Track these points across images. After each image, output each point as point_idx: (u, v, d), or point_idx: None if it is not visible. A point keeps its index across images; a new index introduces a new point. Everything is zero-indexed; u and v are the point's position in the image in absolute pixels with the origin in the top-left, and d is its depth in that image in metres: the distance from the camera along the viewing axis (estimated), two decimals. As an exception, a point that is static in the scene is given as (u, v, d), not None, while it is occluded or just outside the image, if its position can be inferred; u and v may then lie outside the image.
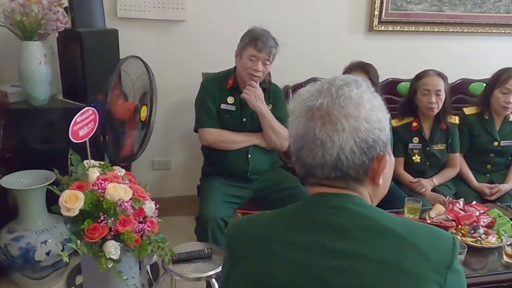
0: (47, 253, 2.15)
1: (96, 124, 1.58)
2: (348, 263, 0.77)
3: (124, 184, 1.50)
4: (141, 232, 1.47)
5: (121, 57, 2.43)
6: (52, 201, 2.11)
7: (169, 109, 2.93)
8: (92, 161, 1.61)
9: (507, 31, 3.24)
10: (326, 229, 0.81)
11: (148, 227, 1.49)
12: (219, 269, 1.79)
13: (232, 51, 2.34)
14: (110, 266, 1.39)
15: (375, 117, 0.83)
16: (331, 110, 0.81)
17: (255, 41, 2.14)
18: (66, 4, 2.30)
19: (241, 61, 2.21)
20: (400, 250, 0.78)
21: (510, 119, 2.60)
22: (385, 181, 0.88)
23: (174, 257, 1.69)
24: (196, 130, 2.34)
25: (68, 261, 1.36)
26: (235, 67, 2.32)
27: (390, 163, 0.89)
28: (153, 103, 2.41)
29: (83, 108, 2.28)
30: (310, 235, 0.82)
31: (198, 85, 2.61)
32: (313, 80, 2.97)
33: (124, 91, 2.24)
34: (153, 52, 2.73)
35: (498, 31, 3.22)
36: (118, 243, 1.41)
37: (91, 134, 1.55)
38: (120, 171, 1.62)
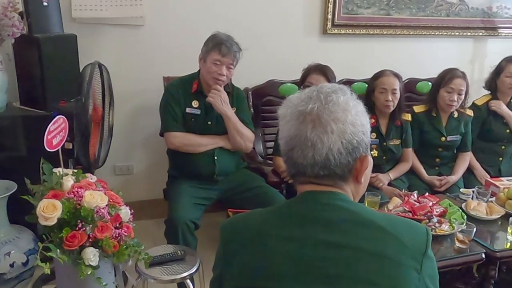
0: (11, 265, 2.08)
1: (67, 132, 1.57)
2: (337, 253, 0.86)
3: (99, 191, 1.51)
4: (119, 237, 1.48)
5: (80, 63, 2.41)
6: (13, 212, 2.08)
7: (130, 113, 2.92)
8: (60, 169, 1.60)
9: (449, 33, 3.47)
10: (316, 224, 0.90)
11: (125, 232, 1.51)
12: (193, 269, 1.84)
13: (192, 55, 2.37)
14: (89, 273, 1.40)
15: (359, 121, 0.92)
16: (321, 114, 0.90)
17: (220, 46, 2.19)
18: (21, 9, 2.25)
19: (205, 66, 2.25)
20: (382, 241, 0.87)
21: (455, 116, 2.81)
22: (365, 179, 0.98)
23: (150, 261, 1.71)
24: (162, 134, 2.36)
25: (49, 272, 1.35)
26: (198, 71, 2.35)
27: (370, 163, 0.99)
28: (111, 108, 2.40)
29: (43, 115, 2.27)
30: (302, 229, 0.90)
31: (159, 89, 2.63)
32: (272, 81, 3.09)
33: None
34: (112, 57, 2.71)
35: (441, 33, 3.45)
36: (97, 249, 1.42)
37: (63, 143, 1.55)
38: (92, 178, 1.63)
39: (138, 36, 2.80)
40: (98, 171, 2.75)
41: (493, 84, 2.97)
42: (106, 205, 1.49)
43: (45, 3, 2.31)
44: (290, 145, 0.93)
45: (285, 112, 0.95)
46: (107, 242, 1.41)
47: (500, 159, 2.99)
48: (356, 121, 0.92)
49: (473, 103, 3.00)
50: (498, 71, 2.94)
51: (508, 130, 2.95)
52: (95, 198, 1.43)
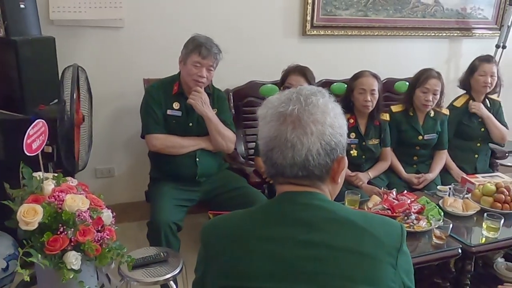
0: (-10, 272, 2.07)
1: (47, 136, 1.56)
2: (316, 252, 0.89)
3: (80, 194, 1.50)
4: (101, 241, 1.48)
5: (59, 66, 2.39)
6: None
7: (110, 116, 2.91)
8: (40, 173, 1.59)
9: (425, 34, 3.55)
10: (296, 223, 0.92)
11: (107, 235, 1.51)
12: (176, 271, 1.85)
13: (172, 57, 2.38)
14: (71, 277, 1.39)
15: (338, 123, 0.95)
16: (301, 116, 0.92)
17: (200, 48, 2.19)
18: (-2, 12, 2.23)
19: (185, 68, 2.26)
20: (359, 238, 0.90)
21: (431, 115, 2.87)
22: (342, 180, 1.01)
23: (132, 264, 1.71)
24: (143, 137, 2.36)
25: (29, 279, 1.35)
26: (179, 73, 2.36)
27: (346, 164, 1.01)
28: (91, 111, 2.39)
29: (22, 119, 2.24)
30: (282, 229, 0.92)
31: (139, 91, 2.63)
32: (252, 83, 3.11)
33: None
34: (92, 59, 2.70)
35: (417, 34, 3.53)
36: (79, 253, 1.42)
37: (43, 147, 1.54)
38: (73, 182, 1.62)
39: (118, 38, 2.78)
40: (79, 175, 2.72)
41: (467, 83, 3.04)
42: (88, 209, 1.48)
43: (22, 6, 2.29)
44: (270, 145, 0.95)
45: (265, 113, 0.97)
46: (89, 246, 1.41)
47: (476, 156, 3.07)
48: (335, 123, 0.94)
49: (452, 104, 3.07)
50: (471, 70, 3.01)
51: (483, 129, 3.03)
52: (76, 202, 1.42)
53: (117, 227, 1.66)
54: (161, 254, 1.91)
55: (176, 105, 2.33)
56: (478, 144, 3.06)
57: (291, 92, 0.97)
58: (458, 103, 3.06)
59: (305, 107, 0.93)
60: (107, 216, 1.55)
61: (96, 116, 2.54)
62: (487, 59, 2.97)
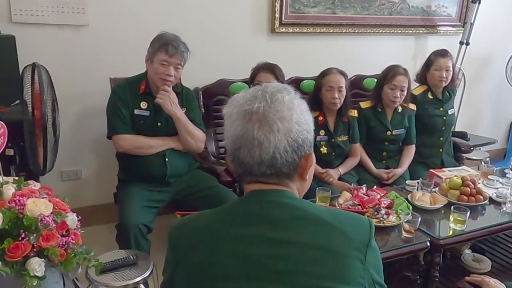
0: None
1: (6, 138, 1.50)
2: (284, 250, 0.88)
3: (43, 198, 1.45)
4: (66, 245, 1.43)
5: (20, 66, 2.31)
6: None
7: (76, 116, 2.83)
8: (0, 177, 1.53)
9: (392, 31, 3.60)
10: (263, 222, 0.91)
11: (72, 239, 1.46)
12: (147, 274, 1.81)
13: (140, 55, 2.33)
14: (35, 284, 1.34)
15: (304, 120, 0.94)
16: (267, 113, 0.91)
17: (166, 46, 2.15)
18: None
19: (152, 66, 2.22)
20: (328, 234, 0.90)
21: (399, 111, 2.92)
22: (310, 176, 1.00)
23: (100, 268, 1.66)
24: (110, 137, 2.30)
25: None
26: (146, 72, 2.31)
27: (314, 161, 1.01)
28: (56, 111, 2.32)
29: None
30: (250, 228, 0.91)
31: (106, 91, 2.56)
32: (222, 81, 3.09)
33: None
34: (55, 58, 2.62)
35: (384, 31, 3.58)
36: (42, 259, 1.37)
37: (2, 149, 1.48)
38: (35, 185, 1.56)
39: (82, 36, 2.71)
40: (44, 178, 2.65)
41: (423, 77, 3.10)
42: (51, 213, 1.43)
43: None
44: (237, 144, 0.93)
45: (231, 111, 0.95)
46: (53, 251, 1.36)
47: (441, 150, 3.13)
48: (301, 120, 0.93)
49: (411, 93, 3.09)
50: (427, 65, 3.06)
51: (444, 117, 3.09)
52: (38, 206, 1.37)
53: (84, 230, 1.61)
54: (131, 257, 1.86)
55: (143, 105, 2.29)
56: (441, 138, 3.13)
57: (256, 89, 0.96)
58: (416, 91, 3.08)
59: (271, 105, 0.92)
60: (72, 220, 1.50)
61: (61, 117, 2.47)
62: (442, 53, 3.02)
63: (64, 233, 1.46)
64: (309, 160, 0.96)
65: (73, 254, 1.46)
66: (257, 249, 0.88)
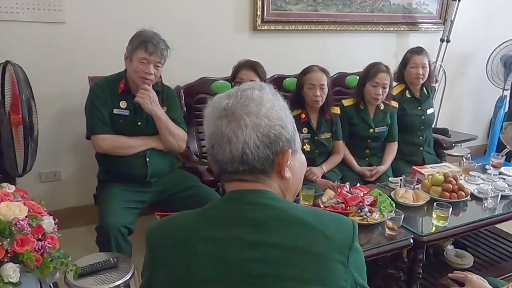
0: None
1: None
2: (264, 253, 0.85)
3: (17, 201, 1.40)
4: (42, 250, 1.39)
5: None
6: None
7: (54, 116, 2.76)
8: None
9: (373, 29, 3.61)
10: (243, 224, 0.88)
11: (49, 243, 1.42)
12: (128, 276, 1.77)
13: (118, 53, 2.28)
14: (9, 291, 1.30)
15: (276, 115, 0.92)
16: (234, 109, 0.90)
17: (145, 44, 2.11)
18: None
19: (131, 65, 2.17)
20: (309, 237, 0.87)
21: (381, 108, 2.92)
22: (295, 175, 0.97)
23: (79, 272, 1.62)
24: (88, 138, 2.25)
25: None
26: (125, 70, 2.26)
27: (300, 161, 0.99)
28: (32, 111, 2.26)
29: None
30: (229, 230, 0.88)
31: (84, 90, 2.50)
32: (203, 79, 3.05)
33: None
34: (31, 57, 2.55)
35: (366, 29, 3.58)
36: (17, 264, 1.32)
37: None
38: (10, 188, 1.51)
39: (59, 33, 2.64)
40: (22, 180, 2.59)
41: (401, 76, 3.11)
42: (26, 216, 1.39)
43: None
44: (210, 142, 0.93)
45: (207, 110, 0.95)
46: (28, 256, 1.32)
47: (421, 148, 3.15)
48: (272, 114, 0.91)
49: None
50: (404, 63, 3.08)
51: (423, 116, 3.11)
52: (12, 210, 1.33)
53: (62, 233, 1.57)
54: (111, 259, 1.82)
55: (123, 104, 2.24)
56: (421, 137, 3.14)
57: (234, 88, 0.96)
58: (394, 91, 3.07)
59: (239, 100, 0.91)
60: (48, 223, 1.46)
61: (39, 117, 2.40)
62: (418, 51, 3.04)
63: (40, 237, 1.42)
64: (286, 156, 0.93)
65: (50, 259, 1.42)
66: (237, 252, 0.86)
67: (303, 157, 1.01)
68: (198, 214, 0.94)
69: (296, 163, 0.98)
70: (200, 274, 0.86)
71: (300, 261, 0.85)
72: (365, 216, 2.03)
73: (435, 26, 3.91)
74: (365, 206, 2.08)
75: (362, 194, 2.19)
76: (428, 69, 3.03)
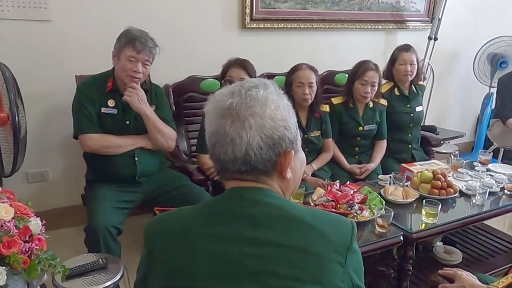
0: None
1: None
2: (262, 250, 0.85)
3: (3, 203, 1.38)
4: (29, 252, 1.37)
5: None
6: None
7: (41, 116, 2.73)
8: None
9: (362, 27, 3.62)
10: (242, 220, 0.88)
11: (36, 245, 1.39)
12: (117, 277, 1.75)
13: (106, 51, 2.25)
14: (-4, 294, 1.28)
15: (280, 116, 0.91)
16: (239, 109, 0.88)
17: (133, 42, 2.09)
18: None
19: (119, 63, 2.15)
20: (307, 236, 0.87)
21: (370, 106, 2.93)
22: (295, 175, 0.98)
23: (67, 273, 1.60)
24: (76, 137, 2.22)
25: None
26: (113, 69, 2.24)
27: (300, 159, 0.99)
28: (20, 110, 2.22)
29: None
30: (228, 226, 0.88)
31: (71, 89, 2.47)
32: (192, 77, 3.04)
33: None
34: (16, 55, 2.51)
35: (354, 27, 3.59)
36: (4, 267, 1.30)
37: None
38: (-5, 189, 1.48)
39: (45, 32, 2.60)
40: (9, 180, 2.55)
41: (389, 74, 3.12)
42: (13, 218, 1.36)
43: None
44: (212, 141, 0.92)
45: (209, 108, 0.94)
46: (15, 258, 1.30)
47: (410, 146, 3.16)
48: (276, 116, 0.90)
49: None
50: (392, 61, 3.09)
51: (412, 114, 3.13)
52: (-2, 211, 1.30)
53: (50, 235, 1.55)
54: (100, 260, 1.80)
55: (111, 103, 2.21)
56: (410, 135, 3.16)
57: (236, 85, 0.94)
58: (383, 89, 3.08)
59: (244, 100, 0.89)
60: (35, 224, 1.43)
61: (26, 117, 2.36)
62: (405, 48, 3.05)
63: (27, 238, 1.40)
64: (288, 157, 0.93)
65: (37, 261, 1.40)
66: (234, 248, 0.86)
67: (303, 155, 1.01)
68: (197, 210, 0.94)
69: (297, 163, 0.98)
70: (198, 269, 0.86)
71: (298, 259, 0.85)
72: (355, 214, 2.03)
73: (423, 24, 3.94)
74: (355, 204, 2.09)
75: (352, 192, 2.20)
76: (416, 66, 3.05)
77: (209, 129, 0.93)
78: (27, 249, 1.36)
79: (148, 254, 0.94)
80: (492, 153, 2.92)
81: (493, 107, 4.10)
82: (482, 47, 4.14)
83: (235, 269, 0.85)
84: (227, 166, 0.91)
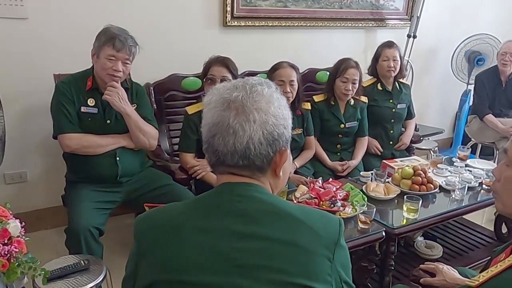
0: None
1: None
2: (252, 244, 0.86)
3: (-20, 205, 1.35)
4: (8, 254, 1.34)
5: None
6: None
7: (19, 116, 2.67)
8: None
9: (342, 25, 3.65)
10: (232, 215, 0.89)
11: (16, 248, 1.37)
12: (99, 279, 1.73)
13: (85, 50, 2.22)
14: (-26, 298, 1.25)
15: (281, 115, 0.93)
16: (245, 103, 0.90)
17: (113, 40, 2.06)
18: None
19: (99, 61, 2.11)
20: (297, 230, 0.89)
21: (351, 103, 2.96)
22: (284, 174, 1.00)
23: (48, 276, 1.57)
24: (55, 137, 2.18)
25: None
26: (92, 67, 2.20)
27: (289, 159, 1.00)
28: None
29: None
30: (218, 220, 0.89)
31: (50, 88, 2.42)
32: (174, 76, 3.01)
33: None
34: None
35: (335, 25, 3.61)
36: (-18, 271, 1.27)
37: None
38: (-28, 192, 1.45)
39: (22, 30, 2.54)
40: (-15, 182, 2.50)
41: (374, 70, 3.17)
42: (-9, 221, 1.33)
43: None
44: (212, 132, 0.92)
45: (210, 99, 0.95)
46: (-6, 262, 1.27)
47: (391, 143, 3.20)
48: (278, 114, 0.93)
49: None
50: (376, 57, 3.14)
51: (393, 109, 3.16)
52: (-25, 214, 1.27)
53: (29, 237, 1.52)
54: (82, 262, 1.78)
55: (91, 102, 2.18)
56: (392, 131, 3.20)
57: (238, 80, 0.96)
58: (365, 83, 3.12)
59: (250, 95, 0.91)
60: (14, 227, 1.41)
61: (4, 117, 2.31)
62: (388, 44, 3.11)
63: (6, 241, 1.37)
64: (284, 156, 0.96)
65: (17, 264, 1.37)
66: (224, 242, 0.87)
67: (290, 154, 1.02)
68: (188, 204, 0.95)
69: (287, 162, 0.99)
70: (188, 263, 0.86)
71: (287, 253, 0.86)
72: (338, 211, 2.05)
73: (402, 22, 3.98)
74: (338, 200, 2.10)
75: (334, 189, 2.21)
76: (399, 62, 3.09)
77: (209, 120, 0.93)
78: (6, 252, 1.34)
79: (138, 248, 0.94)
80: (470, 149, 2.98)
81: (470, 103, 4.18)
82: (459, 45, 4.22)
83: (224, 262, 0.86)
84: (224, 158, 0.92)
